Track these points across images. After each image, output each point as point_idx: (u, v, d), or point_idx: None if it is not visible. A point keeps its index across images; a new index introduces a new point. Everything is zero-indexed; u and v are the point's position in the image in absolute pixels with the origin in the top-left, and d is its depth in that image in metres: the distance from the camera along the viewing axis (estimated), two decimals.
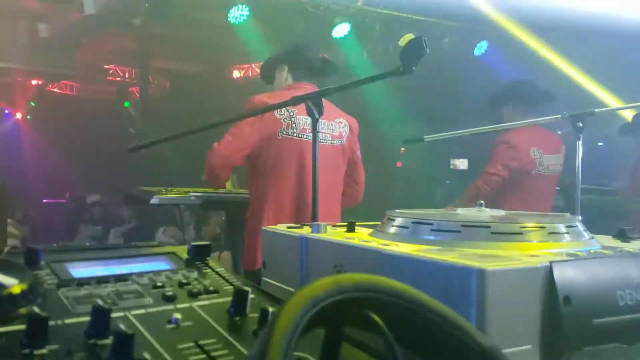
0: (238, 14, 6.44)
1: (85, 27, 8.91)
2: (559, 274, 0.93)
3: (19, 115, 12.62)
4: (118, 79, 11.91)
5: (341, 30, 7.87)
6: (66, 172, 11.03)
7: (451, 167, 12.18)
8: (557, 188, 4.60)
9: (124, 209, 8.52)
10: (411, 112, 9.97)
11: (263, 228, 1.43)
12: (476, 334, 0.76)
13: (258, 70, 11.00)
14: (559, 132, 4.21)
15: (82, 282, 0.87)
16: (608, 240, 1.26)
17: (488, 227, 1.10)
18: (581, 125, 3.22)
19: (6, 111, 12.49)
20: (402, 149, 12.93)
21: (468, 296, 0.88)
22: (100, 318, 0.74)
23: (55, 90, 12.22)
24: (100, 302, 0.77)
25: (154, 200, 4.39)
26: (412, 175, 11.95)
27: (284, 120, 3.09)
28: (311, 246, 1.25)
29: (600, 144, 9.97)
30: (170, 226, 7.79)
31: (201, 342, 0.78)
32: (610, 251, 1.08)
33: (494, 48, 8.58)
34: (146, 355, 0.68)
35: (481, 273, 0.87)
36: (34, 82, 11.67)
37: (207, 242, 1.03)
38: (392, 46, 8.11)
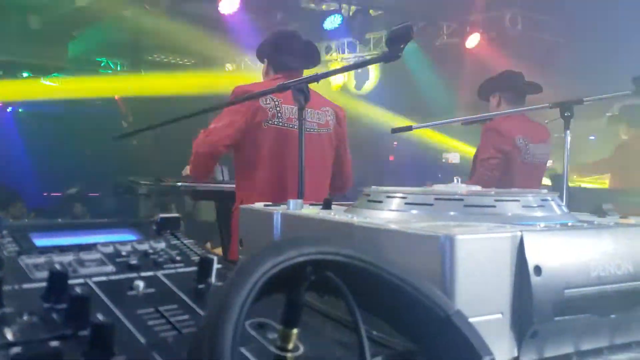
0: (228, 4, 6.41)
1: (76, 19, 8.87)
2: (530, 243, 0.92)
3: (9, 109, 12.55)
4: (110, 71, 11.84)
5: (333, 21, 7.85)
6: (58, 166, 10.99)
7: (443, 160, 12.20)
8: (548, 180, 4.60)
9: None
10: (405, 106, 9.97)
11: (240, 206, 1.41)
12: (441, 299, 0.75)
13: (250, 63, 11.03)
14: (546, 121, 4.22)
15: (44, 250, 0.85)
16: (585, 216, 1.25)
17: (461, 199, 1.09)
18: (569, 114, 3.21)
19: None
20: (395, 142, 12.94)
21: (438, 264, 0.87)
22: (57, 282, 0.73)
23: (47, 83, 12.14)
24: (58, 267, 0.75)
25: (143, 190, 4.38)
26: (405, 169, 11.96)
27: (269, 110, 3.06)
28: (286, 222, 1.24)
29: (591, 137, 9.99)
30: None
31: (162, 308, 0.77)
32: (584, 224, 1.08)
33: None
34: (100, 316, 0.66)
35: (450, 240, 0.86)
36: (25, 74, 11.59)
37: (176, 215, 1.01)
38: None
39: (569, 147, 3.19)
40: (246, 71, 11.08)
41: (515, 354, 0.93)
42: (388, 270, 0.74)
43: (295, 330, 0.73)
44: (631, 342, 1.06)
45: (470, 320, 0.86)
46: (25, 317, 0.68)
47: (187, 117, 2.69)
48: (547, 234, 0.96)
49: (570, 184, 5.28)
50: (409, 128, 3.64)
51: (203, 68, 11.46)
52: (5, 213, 8.52)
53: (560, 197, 2.87)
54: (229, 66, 11.72)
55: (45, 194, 11.21)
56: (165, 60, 11.76)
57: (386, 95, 9.55)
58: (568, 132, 3.22)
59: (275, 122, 3.06)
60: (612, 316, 0.99)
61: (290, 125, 3.06)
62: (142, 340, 0.69)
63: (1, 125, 12.26)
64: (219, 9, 6.66)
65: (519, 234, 0.92)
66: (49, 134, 11.76)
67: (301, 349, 0.74)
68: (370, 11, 8.10)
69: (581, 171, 5.26)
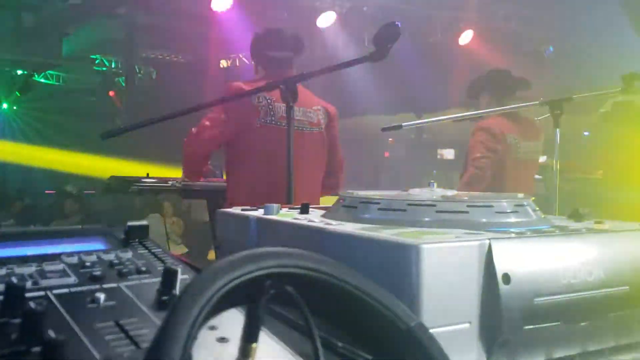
0: (221, 1, 6.39)
1: (70, 16, 8.85)
2: (498, 251, 0.91)
3: (5, 106, 12.52)
4: (104, 69, 11.82)
5: (326, 19, 7.83)
6: (56, 163, 11.00)
7: (438, 157, 12.22)
8: (540, 176, 4.60)
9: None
10: (400, 103, 9.97)
11: (217, 210, 1.41)
12: (402, 311, 0.74)
13: (245, 60, 11.00)
14: (538, 118, 4.22)
15: (5, 261, 0.84)
16: (560, 221, 1.24)
17: (434, 205, 1.08)
18: (558, 112, 3.22)
19: None
20: (391, 139, 12.95)
21: (404, 272, 0.86)
22: (13, 296, 0.71)
23: (42, 80, 12.12)
24: (15, 280, 0.74)
25: (134, 187, 4.36)
26: (400, 165, 11.98)
27: (261, 108, 3.04)
28: (262, 227, 1.24)
29: (586, 133, 9.99)
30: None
31: (122, 322, 0.76)
32: (556, 230, 1.07)
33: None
34: (52, 333, 0.65)
35: (416, 249, 0.85)
36: (19, 72, 11.58)
37: (144, 223, 1.00)
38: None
39: (558, 144, 3.19)
40: (241, 67, 11.09)
41: None
42: (349, 281, 0.73)
43: (254, 345, 0.72)
44: (604, 348, 1.06)
45: (438, 330, 0.85)
46: None
47: (179, 115, 2.67)
48: (517, 241, 0.95)
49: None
50: (399, 126, 3.64)
51: (197, 65, 11.44)
52: (7, 211, 8.54)
53: (535, 199, 2.88)
54: (223, 63, 11.70)
55: (47, 192, 11.20)
56: (159, 57, 11.75)
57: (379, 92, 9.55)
58: (558, 130, 3.22)
59: (268, 121, 3.04)
60: (583, 324, 0.98)
61: (283, 124, 3.03)
62: (97, 355, 0.69)
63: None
64: (211, 6, 6.65)
65: (487, 241, 0.91)
66: (47, 130, 11.76)
67: None
68: (364, 8, 8.09)
69: (577, 170, 5.27)
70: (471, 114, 3.98)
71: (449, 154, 11.65)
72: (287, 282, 0.71)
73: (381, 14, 8.26)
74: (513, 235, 0.98)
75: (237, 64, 11.40)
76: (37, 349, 0.66)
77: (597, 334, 1.03)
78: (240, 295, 0.70)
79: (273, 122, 3.05)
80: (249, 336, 0.71)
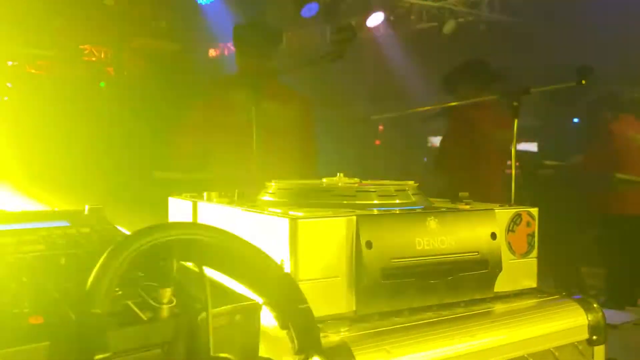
0: None
1: (59, 7, 9.05)
2: (363, 224, 1.21)
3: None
4: (94, 59, 12.03)
5: (310, 10, 8.05)
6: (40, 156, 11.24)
7: (429, 144, 12.46)
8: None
9: None
10: (387, 91, 10.20)
11: (169, 197, 1.70)
12: (274, 266, 1.04)
13: (232, 49, 11.21)
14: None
15: None
16: (439, 203, 1.54)
17: (329, 191, 1.38)
18: (517, 104, 3.43)
19: None
20: (381, 127, 13.19)
21: (286, 240, 1.16)
22: None
23: (32, 71, 12.32)
24: None
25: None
26: (391, 153, 12.22)
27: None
28: (200, 211, 1.54)
29: (575, 120, 10.21)
30: None
31: (78, 275, 1.06)
32: (419, 209, 1.37)
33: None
34: (25, 279, 0.96)
35: (293, 222, 1.16)
36: (9, 62, 11.77)
37: (100, 206, 1.30)
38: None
39: (515, 134, 3.42)
40: (230, 57, 11.32)
41: (354, 308, 1.22)
42: (235, 245, 1.03)
43: (169, 289, 1.02)
44: (460, 301, 1.36)
45: (314, 280, 1.16)
46: None
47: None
48: (379, 217, 1.26)
49: None
50: (368, 118, 3.89)
51: (186, 54, 11.67)
52: None
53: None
54: (211, 52, 11.93)
55: None
56: (148, 46, 11.95)
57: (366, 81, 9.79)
58: (516, 120, 3.44)
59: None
60: (434, 281, 1.29)
61: None
62: (57, 295, 0.99)
63: None
64: None
65: (354, 217, 1.21)
66: (35, 121, 11.98)
67: (174, 302, 1.03)
68: None
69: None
70: (441, 105, 4.19)
71: (438, 141, 11.84)
72: (190, 246, 1.01)
73: (366, 3, 8.48)
74: (377, 212, 1.28)
75: (226, 52, 11.61)
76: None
77: (453, 289, 1.34)
78: (156, 254, 1.00)
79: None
80: (164, 282, 1.02)
